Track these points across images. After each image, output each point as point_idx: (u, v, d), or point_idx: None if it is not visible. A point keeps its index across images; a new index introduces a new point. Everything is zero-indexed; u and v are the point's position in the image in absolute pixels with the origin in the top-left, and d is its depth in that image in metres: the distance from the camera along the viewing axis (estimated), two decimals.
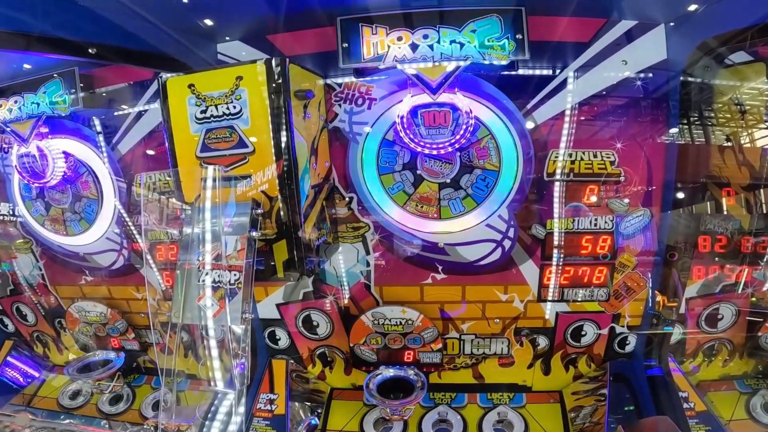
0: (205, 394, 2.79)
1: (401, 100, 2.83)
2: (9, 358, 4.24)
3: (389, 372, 3.27)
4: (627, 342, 3.30)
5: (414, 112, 2.80)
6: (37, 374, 4.20)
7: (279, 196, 2.47)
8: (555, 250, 3.02)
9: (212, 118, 2.47)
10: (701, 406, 2.95)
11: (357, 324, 3.33)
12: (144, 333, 3.90)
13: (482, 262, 3.13)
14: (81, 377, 3.74)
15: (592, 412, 3.07)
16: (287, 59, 2.43)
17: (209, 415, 2.84)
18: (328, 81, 2.95)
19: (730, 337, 3.33)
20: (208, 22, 2.87)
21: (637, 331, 3.25)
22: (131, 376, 3.98)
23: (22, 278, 4.10)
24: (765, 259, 3.03)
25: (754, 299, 3.17)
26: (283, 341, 3.60)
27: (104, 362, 3.84)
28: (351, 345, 3.39)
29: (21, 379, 4.13)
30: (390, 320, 3.27)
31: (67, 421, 3.64)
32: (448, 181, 2.95)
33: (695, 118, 2.98)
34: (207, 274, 2.33)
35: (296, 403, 3.29)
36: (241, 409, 2.42)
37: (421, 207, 3.01)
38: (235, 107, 2.43)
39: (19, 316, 4.32)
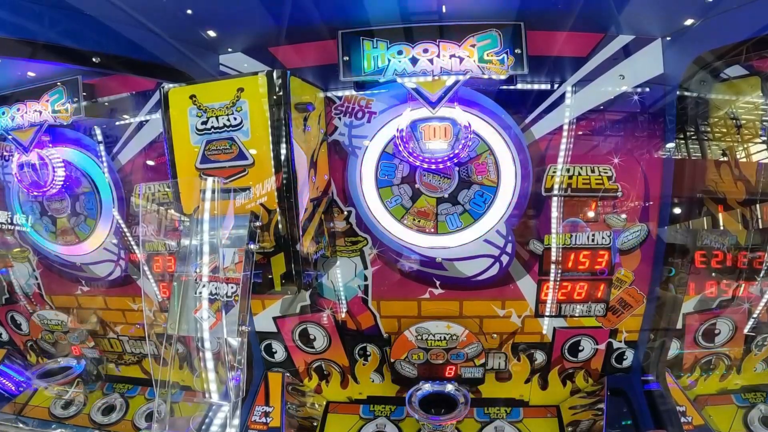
0: (199, 405, 2.76)
1: (401, 114, 2.86)
2: (2, 367, 4.19)
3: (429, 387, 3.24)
4: (624, 357, 3.29)
5: (413, 125, 2.82)
6: (29, 383, 4.16)
7: (278, 209, 2.47)
8: (552, 266, 3.02)
9: (213, 130, 2.47)
10: (699, 420, 2.94)
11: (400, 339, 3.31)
12: (103, 342, 3.96)
13: (480, 278, 3.13)
14: (40, 383, 3.76)
15: (590, 426, 3.05)
16: (288, 72, 2.44)
17: (203, 427, 2.81)
18: (329, 94, 2.97)
19: (727, 351, 3.32)
20: (211, 33, 2.90)
21: (634, 346, 3.25)
22: (95, 383, 4.00)
23: (18, 287, 4.09)
24: (761, 274, 3.03)
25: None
26: (280, 354, 3.58)
27: (65, 369, 3.89)
28: (392, 360, 3.37)
29: (13, 388, 4.09)
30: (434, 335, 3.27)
31: (59, 430, 3.60)
32: (446, 196, 2.96)
33: (692, 133, 3.00)
34: (204, 286, 2.31)
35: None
36: (236, 422, 2.39)
37: (419, 221, 3.02)
38: (235, 119, 2.44)
39: (14, 325, 4.28)
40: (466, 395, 3.15)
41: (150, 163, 3.38)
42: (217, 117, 2.45)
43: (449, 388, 3.22)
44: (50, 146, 3.49)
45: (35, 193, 3.58)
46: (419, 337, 3.26)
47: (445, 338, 3.24)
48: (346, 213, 3.13)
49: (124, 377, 4.04)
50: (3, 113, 3.46)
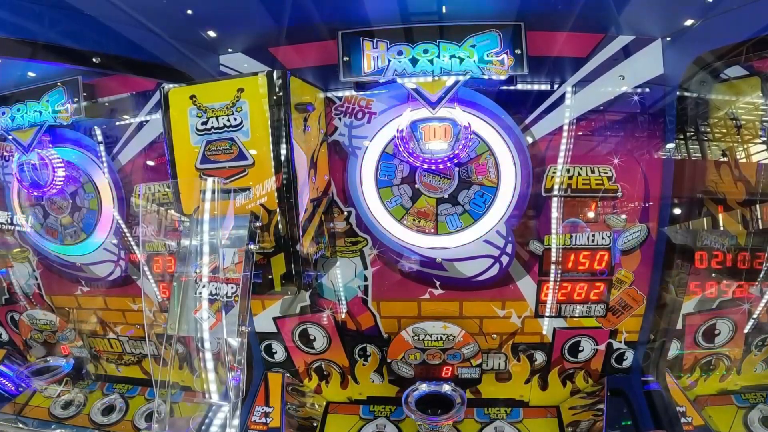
0: (199, 406, 2.75)
1: (401, 114, 2.85)
2: (1, 367, 4.19)
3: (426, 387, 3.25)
4: (624, 357, 3.29)
5: (413, 126, 2.82)
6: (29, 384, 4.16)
7: (278, 210, 2.46)
8: (552, 266, 3.02)
9: (213, 130, 2.47)
10: (699, 421, 2.94)
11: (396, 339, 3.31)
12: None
13: (480, 278, 3.13)
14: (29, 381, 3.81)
15: (590, 427, 3.05)
16: (288, 72, 2.44)
17: (203, 428, 2.81)
18: (329, 94, 2.97)
19: (727, 352, 3.32)
20: (211, 33, 2.90)
21: (634, 346, 3.25)
22: (82, 382, 4.03)
23: (18, 287, 4.09)
24: (761, 275, 3.03)
25: None
26: (280, 354, 3.58)
27: (54, 368, 3.95)
28: (388, 360, 3.38)
29: (13, 388, 4.09)
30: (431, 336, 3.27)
31: (59, 431, 3.60)
32: (446, 196, 2.97)
33: (692, 133, 3.00)
34: (204, 286, 2.31)
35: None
36: (236, 422, 2.39)
37: (419, 222, 3.02)
38: (235, 119, 2.44)
39: (14, 325, 4.28)
40: (463, 395, 3.15)
41: (150, 163, 3.38)
42: (217, 117, 2.45)
43: (446, 388, 3.22)
44: (50, 146, 3.49)
45: (36, 194, 3.59)
46: (416, 338, 3.26)
47: (441, 338, 3.24)
48: (346, 213, 3.13)
49: (124, 377, 4.04)
50: (3, 113, 3.45)
